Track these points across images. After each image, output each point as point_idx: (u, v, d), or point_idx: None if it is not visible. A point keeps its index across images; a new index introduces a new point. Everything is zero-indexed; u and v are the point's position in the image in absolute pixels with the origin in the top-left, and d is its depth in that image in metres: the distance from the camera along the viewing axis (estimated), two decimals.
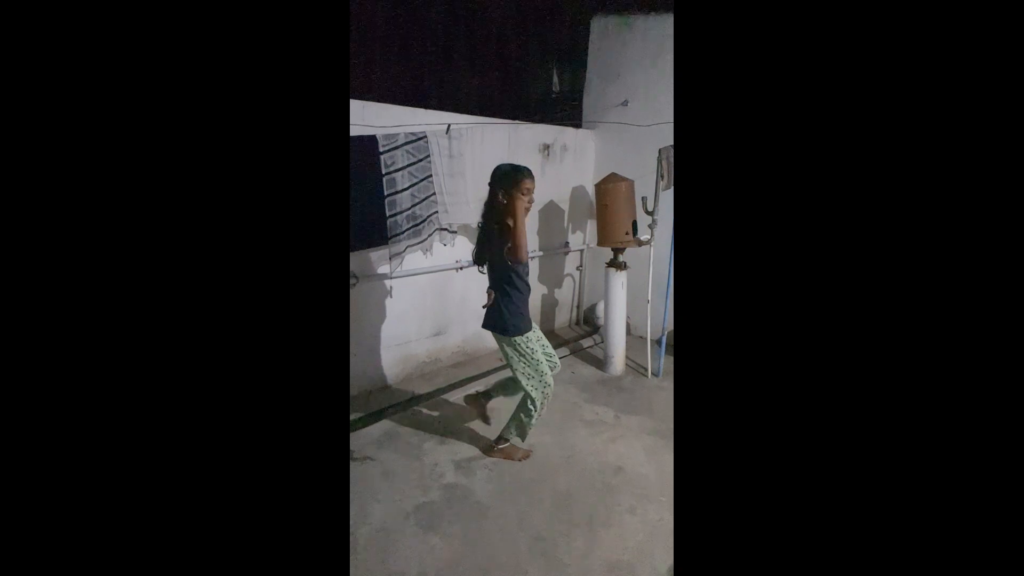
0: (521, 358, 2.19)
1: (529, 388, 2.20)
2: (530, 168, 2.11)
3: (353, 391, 2.93)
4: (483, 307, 2.22)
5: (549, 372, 2.21)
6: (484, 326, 2.22)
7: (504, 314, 2.15)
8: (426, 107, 2.98)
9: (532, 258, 3.85)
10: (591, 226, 4.12)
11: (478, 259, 2.23)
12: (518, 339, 2.16)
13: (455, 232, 3.12)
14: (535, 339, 2.22)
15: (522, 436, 2.35)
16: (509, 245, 2.03)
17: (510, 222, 2.03)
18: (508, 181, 2.04)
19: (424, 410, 2.84)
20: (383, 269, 2.89)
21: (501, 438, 2.39)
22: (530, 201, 2.08)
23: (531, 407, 2.22)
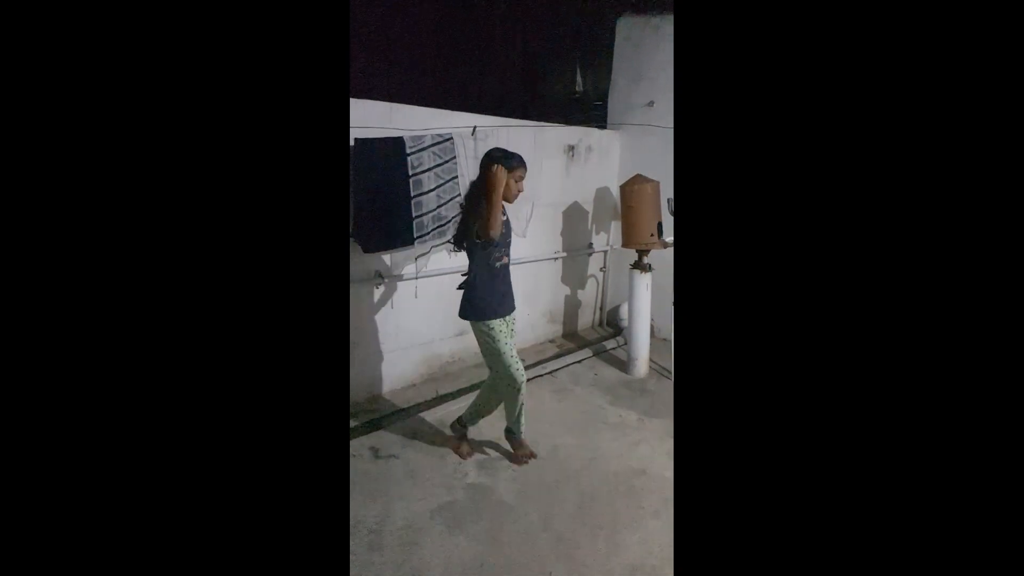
0: (485, 344, 2.17)
1: (500, 373, 2.20)
2: (523, 159, 2.11)
3: (378, 390, 2.96)
4: (457, 288, 2.25)
5: (517, 366, 2.17)
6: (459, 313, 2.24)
7: (468, 296, 2.18)
8: (452, 109, 3.01)
9: (555, 259, 3.86)
10: (615, 227, 4.10)
11: (457, 241, 2.22)
12: (480, 324, 2.15)
13: None
14: (499, 328, 2.16)
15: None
16: (480, 222, 2.04)
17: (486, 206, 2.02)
18: (495, 162, 2.04)
19: (447, 409, 2.86)
20: (409, 269, 2.92)
21: (508, 431, 2.40)
22: (519, 190, 2.11)
23: (504, 390, 2.22)
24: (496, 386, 2.27)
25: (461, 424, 2.43)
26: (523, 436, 2.39)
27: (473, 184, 2.16)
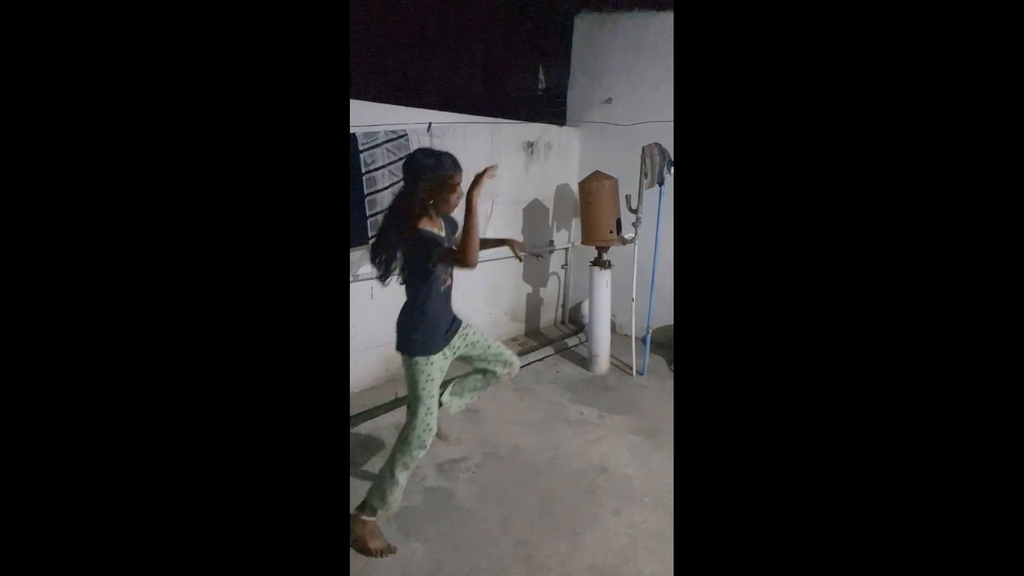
0: (412, 385, 1.74)
1: (410, 421, 1.75)
2: (456, 159, 1.69)
3: None
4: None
5: (431, 426, 1.76)
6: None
7: (407, 325, 1.76)
8: (407, 105, 2.94)
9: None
10: (576, 224, 4.10)
11: (382, 272, 1.73)
12: (417, 359, 1.71)
13: None
14: (437, 367, 1.75)
15: (382, 502, 1.77)
16: (452, 247, 1.67)
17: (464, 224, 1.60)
18: (435, 173, 1.63)
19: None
20: (364, 269, 2.84)
21: (365, 504, 1.80)
22: (458, 196, 1.70)
23: (403, 461, 1.75)
24: (405, 438, 1.77)
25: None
26: (377, 517, 1.80)
27: (397, 196, 1.70)
